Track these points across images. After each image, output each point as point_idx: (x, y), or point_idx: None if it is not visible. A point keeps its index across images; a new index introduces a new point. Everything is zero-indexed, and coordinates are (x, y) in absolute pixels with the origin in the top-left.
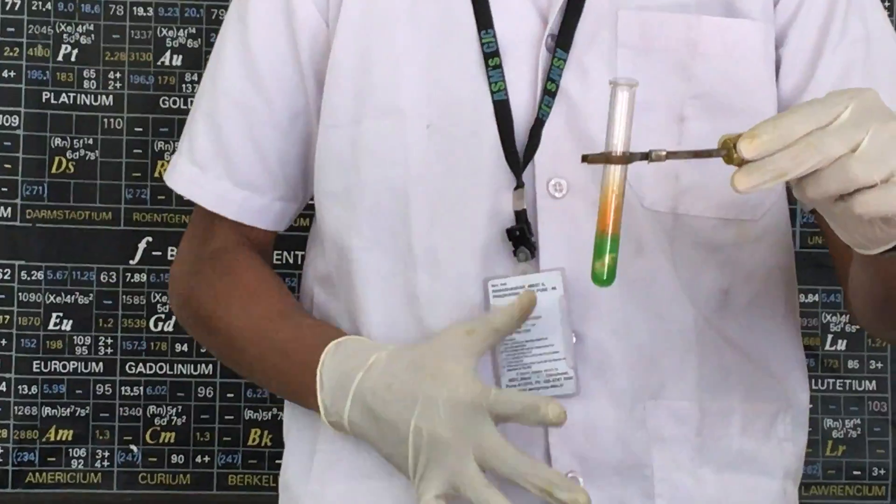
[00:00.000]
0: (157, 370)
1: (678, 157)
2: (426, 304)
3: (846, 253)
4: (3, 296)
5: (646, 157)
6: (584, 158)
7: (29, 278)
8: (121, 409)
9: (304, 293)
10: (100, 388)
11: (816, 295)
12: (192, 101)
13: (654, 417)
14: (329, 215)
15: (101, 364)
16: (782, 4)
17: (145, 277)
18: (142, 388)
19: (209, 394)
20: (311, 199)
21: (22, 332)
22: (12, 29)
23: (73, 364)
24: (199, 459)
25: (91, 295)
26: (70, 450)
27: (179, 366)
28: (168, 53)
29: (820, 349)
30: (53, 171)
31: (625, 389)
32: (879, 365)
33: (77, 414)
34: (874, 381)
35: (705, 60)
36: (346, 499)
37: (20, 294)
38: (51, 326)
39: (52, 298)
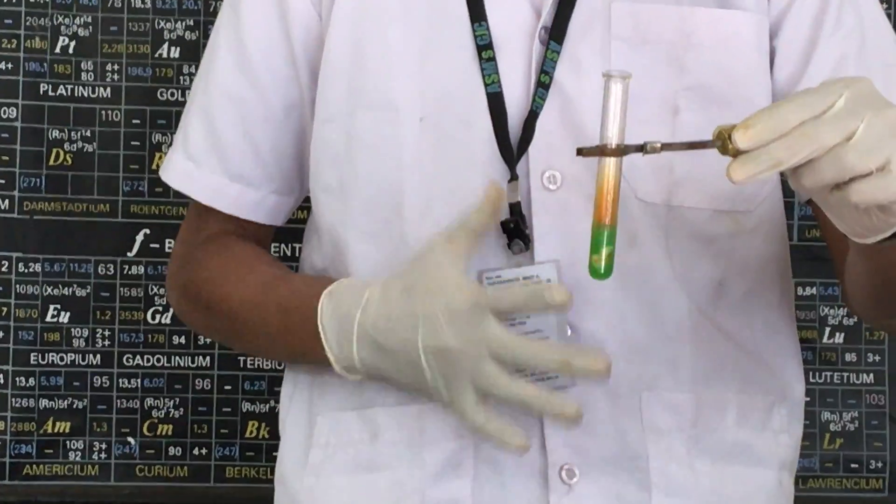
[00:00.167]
0: (155, 362)
1: (673, 149)
2: None
3: (842, 242)
4: (0, 288)
5: (641, 149)
6: (579, 152)
7: (26, 270)
8: (118, 401)
9: None
10: (97, 380)
11: (814, 288)
12: (189, 94)
13: (649, 409)
14: (324, 209)
15: (98, 356)
16: None
17: (143, 270)
18: (139, 380)
19: (206, 386)
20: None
21: (19, 324)
22: (10, 21)
23: (71, 356)
24: (196, 451)
25: (89, 287)
26: (67, 442)
27: (177, 358)
28: (166, 45)
29: (818, 342)
30: (51, 163)
31: (619, 381)
32: (877, 358)
33: (74, 406)
34: (872, 375)
35: (699, 52)
36: (342, 492)
37: (18, 286)
38: (48, 318)
39: (49, 290)
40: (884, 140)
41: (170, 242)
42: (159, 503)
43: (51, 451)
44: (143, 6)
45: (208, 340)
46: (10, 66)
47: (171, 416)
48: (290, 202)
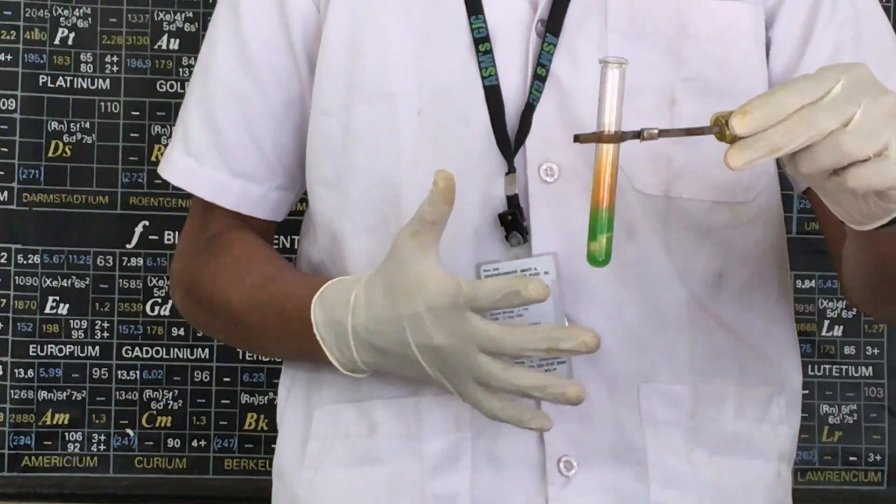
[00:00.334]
0: (154, 354)
1: (670, 136)
2: None
3: (840, 232)
4: None
5: (638, 135)
6: (576, 138)
7: (25, 262)
8: (117, 392)
9: None
10: (96, 371)
11: (813, 281)
12: (187, 89)
13: (647, 401)
14: (321, 202)
15: (97, 348)
16: None
17: (142, 261)
18: (138, 371)
19: (205, 378)
20: None
21: (18, 316)
22: (9, 12)
23: (70, 348)
24: (195, 443)
25: (88, 279)
26: (66, 433)
27: (176, 350)
28: (165, 37)
29: (816, 335)
30: (50, 154)
31: (618, 373)
32: (876, 351)
33: (73, 398)
34: (870, 367)
35: (696, 43)
36: (340, 485)
37: (17, 278)
38: (47, 310)
39: (48, 282)
40: (881, 125)
41: (169, 234)
42: (158, 495)
43: (49, 442)
44: None
45: None
46: (9, 57)
47: (169, 407)
48: (291, 197)
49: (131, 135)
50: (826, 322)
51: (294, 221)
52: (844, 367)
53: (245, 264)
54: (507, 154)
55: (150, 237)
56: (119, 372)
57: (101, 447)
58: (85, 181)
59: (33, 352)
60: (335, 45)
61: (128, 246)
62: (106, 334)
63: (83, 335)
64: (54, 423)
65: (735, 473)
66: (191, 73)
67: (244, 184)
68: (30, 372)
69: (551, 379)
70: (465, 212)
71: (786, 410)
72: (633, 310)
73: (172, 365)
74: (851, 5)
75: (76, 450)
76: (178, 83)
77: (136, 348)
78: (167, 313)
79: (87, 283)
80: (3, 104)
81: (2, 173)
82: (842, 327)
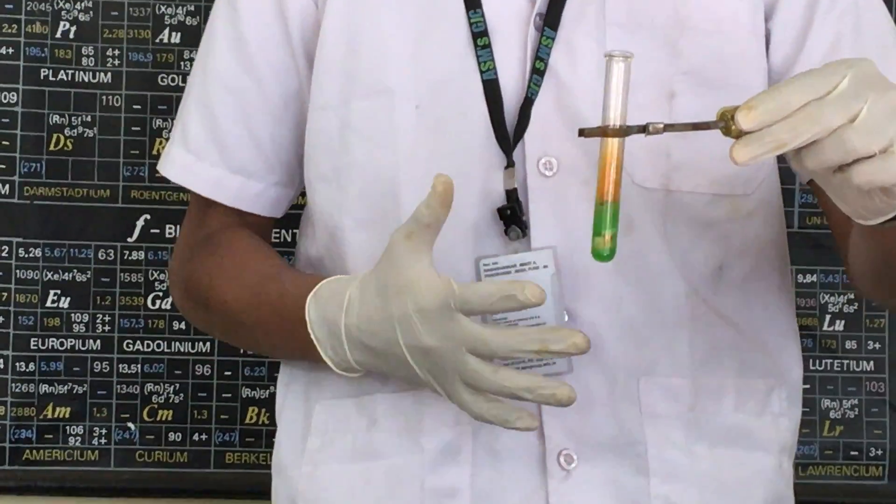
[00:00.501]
0: (155, 348)
1: (675, 130)
2: None
3: (845, 222)
4: (0, 273)
5: (643, 129)
6: (581, 133)
7: (27, 255)
8: (118, 386)
9: None
10: (97, 365)
11: (814, 275)
12: (186, 86)
13: (647, 394)
14: (319, 197)
15: (98, 341)
16: None
17: (143, 255)
18: (139, 365)
19: (206, 372)
20: None
21: (19, 310)
22: (10, 6)
23: (71, 341)
24: (196, 437)
25: (89, 272)
26: (67, 427)
27: (177, 343)
28: (167, 31)
29: (818, 330)
30: (51, 148)
31: (617, 366)
32: (877, 346)
33: (74, 391)
34: (872, 362)
35: (694, 36)
36: (340, 479)
37: (18, 271)
38: (48, 304)
39: (49, 276)
40: (887, 122)
41: (170, 228)
42: (159, 488)
43: (51, 436)
44: None
45: None
46: (10, 50)
47: (171, 401)
48: (290, 193)
49: (133, 128)
50: (827, 317)
51: (296, 215)
52: (846, 362)
53: (242, 263)
54: (506, 148)
55: (152, 231)
56: (120, 365)
57: (103, 441)
58: (86, 175)
59: (34, 345)
60: (333, 40)
61: (129, 239)
62: (107, 328)
63: (84, 329)
64: (55, 416)
65: (736, 466)
66: (192, 66)
67: (243, 180)
68: (31, 365)
69: (541, 381)
70: (464, 206)
71: (787, 403)
72: (632, 303)
73: (173, 359)
74: None
75: (77, 443)
76: (180, 77)
77: (138, 342)
78: (168, 307)
79: (88, 276)
80: (5, 97)
81: (3, 167)
82: (843, 322)
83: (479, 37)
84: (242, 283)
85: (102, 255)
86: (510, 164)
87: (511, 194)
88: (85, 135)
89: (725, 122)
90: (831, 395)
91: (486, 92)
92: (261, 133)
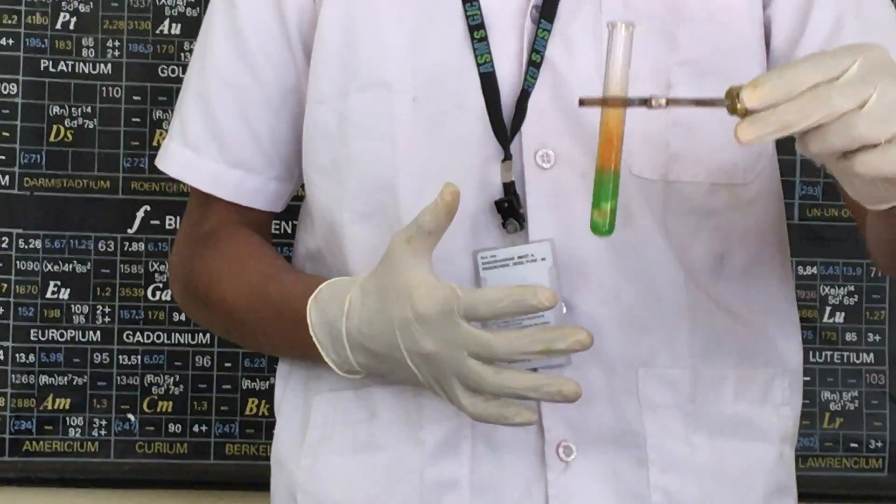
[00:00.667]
0: (155, 339)
1: (679, 105)
2: None
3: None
4: (0, 264)
5: (645, 102)
6: (581, 102)
7: (27, 247)
8: (118, 377)
9: None
10: (97, 356)
11: (815, 267)
12: (185, 77)
13: (646, 385)
14: (318, 190)
15: (98, 333)
16: None
17: (143, 246)
18: (139, 356)
19: (207, 363)
20: None
21: (19, 301)
22: None
23: (71, 333)
24: (196, 429)
25: (89, 264)
26: (67, 418)
27: (177, 335)
28: (167, 22)
29: (818, 322)
30: (52, 139)
31: (616, 358)
32: (877, 338)
33: (74, 383)
34: (872, 354)
35: (690, 27)
36: (338, 472)
37: (18, 262)
38: (48, 295)
39: (49, 267)
40: (895, 111)
41: (170, 219)
42: (159, 480)
43: (50, 427)
44: None
45: None
46: (10, 41)
47: (171, 392)
48: (289, 188)
49: (133, 119)
50: (827, 308)
51: (296, 207)
52: (846, 354)
53: (242, 262)
54: (503, 141)
55: (152, 222)
56: (120, 357)
57: (103, 432)
58: (86, 166)
59: (34, 337)
60: (330, 34)
61: (129, 231)
62: (107, 319)
63: (84, 320)
64: (55, 407)
65: (736, 456)
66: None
67: (242, 174)
68: (31, 357)
69: (545, 378)
70: (462, 199)
71: (789, 391)
72: (631, 294)
73: (174, 350)
74: None
75: (77, 435)
76: (180, 68)
77: (138, 333)
78: (168, 298)
79: (88, 267)
80: (5, 88)
81: (3, 158)
82: (843, 314)
83: (476, 29)
84: (243, 282)
85: (102, 247)
86: (507, 156)
87: (508, 187)
88: (85, 126)
89: (731, 100)
90: (831, 387)
91: (483, 85)
92: (259, 127)
